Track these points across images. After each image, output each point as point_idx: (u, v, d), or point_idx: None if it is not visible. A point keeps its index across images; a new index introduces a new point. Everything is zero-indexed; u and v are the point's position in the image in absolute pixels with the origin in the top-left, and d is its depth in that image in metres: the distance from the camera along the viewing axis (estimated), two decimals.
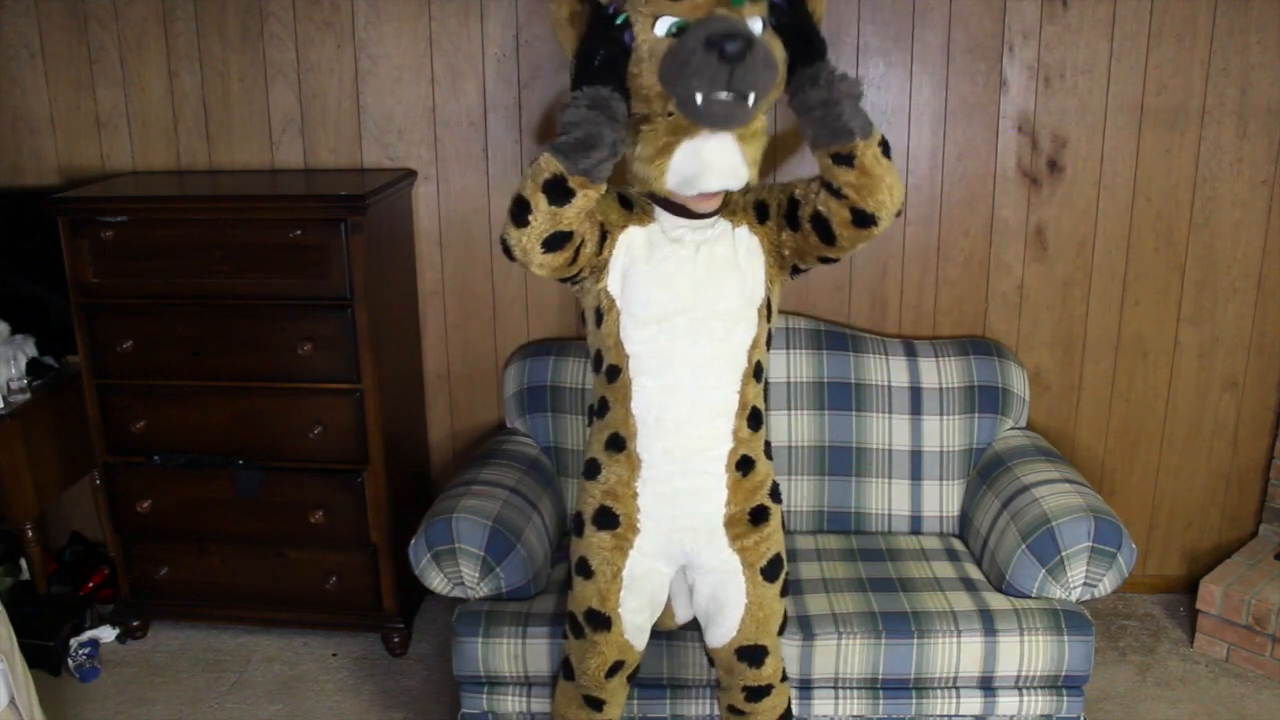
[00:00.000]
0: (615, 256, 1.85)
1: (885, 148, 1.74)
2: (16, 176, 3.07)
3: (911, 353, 2.79)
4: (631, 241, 1.85)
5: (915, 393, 2.74)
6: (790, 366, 2.74)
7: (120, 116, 3.01)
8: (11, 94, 3.02)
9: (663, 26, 1.67)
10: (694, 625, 2.16)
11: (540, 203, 1.68)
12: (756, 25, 1.69)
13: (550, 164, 1.66)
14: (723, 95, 1.61)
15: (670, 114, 1.69)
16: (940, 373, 2.76)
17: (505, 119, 2.93)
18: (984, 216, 2.93)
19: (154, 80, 2.98)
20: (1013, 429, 2.79)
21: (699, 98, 1.62)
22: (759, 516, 1.96)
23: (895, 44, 2.82)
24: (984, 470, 2.69)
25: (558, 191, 1.67)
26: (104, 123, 3.02)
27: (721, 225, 1.86)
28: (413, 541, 2.38)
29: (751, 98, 1.63)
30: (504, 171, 2.96)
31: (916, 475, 2.73)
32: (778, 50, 1.71)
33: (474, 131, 2.95)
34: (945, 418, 2.73)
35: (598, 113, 1.65)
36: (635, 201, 1.87)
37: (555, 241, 1.72)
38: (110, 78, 2.98)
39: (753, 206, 1.89)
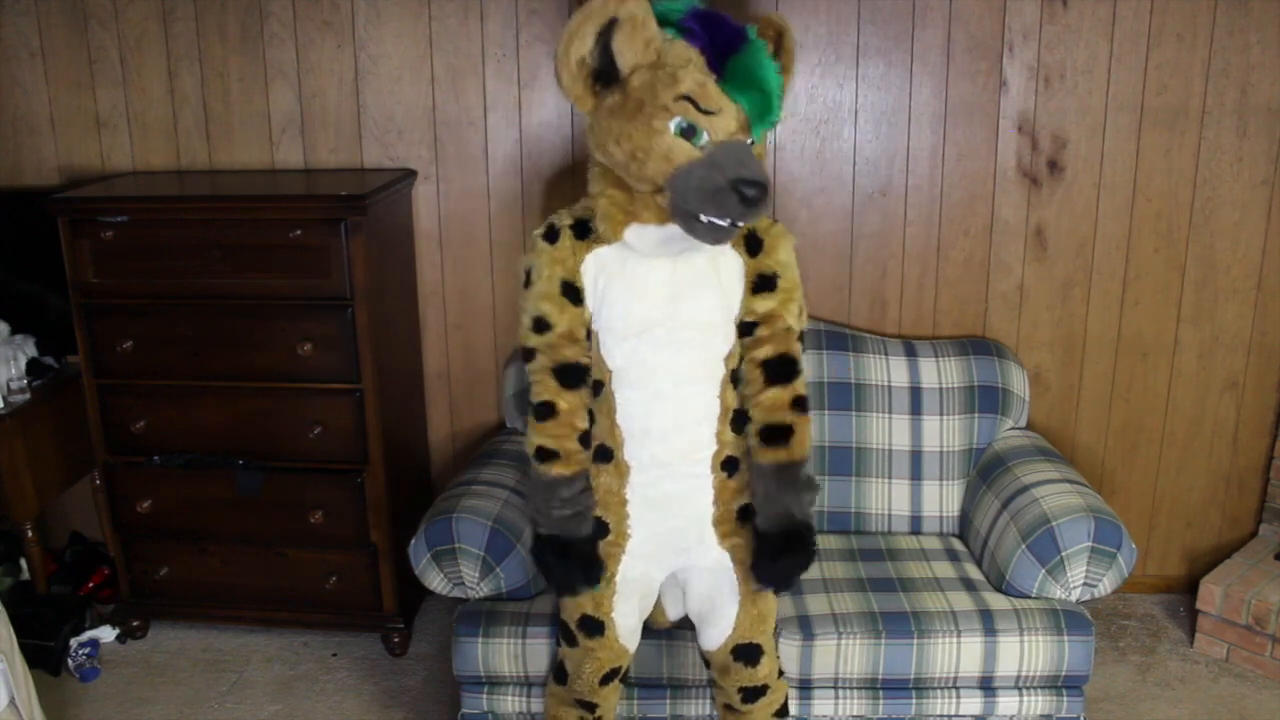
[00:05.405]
0: (586, 282, 1.85)
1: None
2: (16, 176, 3.07)
3: (911, 353, 2.79)
4: (600, 261, 1.84)
5: (915, 393, 2.74)
6: None
7: (120, 116, 3.01)
8: (11, 94, 3.02)
9: (674, 124, 1.68)
10: (690, 625, 2.16)
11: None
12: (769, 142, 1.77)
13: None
14: (725, 223, 1.68)
15: (658, 198, 1.72)
16: (940, 373, 2.76)
17: (505, 119, 2.93)
18: (984, 216, 2.93)
19: (154, 80, 2.98)
20: (1013, 429, 2.79)
21: (703, 219, 1.68)
22: (746, 514, 1.97)
23: (895, 44, 2.82)
24: (984, 470, 2.69)
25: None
26: (104, 123, 3.02)
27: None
28: (413, 541, 2.38)
29: (742, 224, 1.71)
30: (504, 172, 2.97)
31: (916, 475, 2.73)
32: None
33: (474, 131, 2.95)
34: (945, 418, 2.73)
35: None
36: (594, 222, 1.83)
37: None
38: (110, 78, 2.98)
39: (744, 236, 1.86)
